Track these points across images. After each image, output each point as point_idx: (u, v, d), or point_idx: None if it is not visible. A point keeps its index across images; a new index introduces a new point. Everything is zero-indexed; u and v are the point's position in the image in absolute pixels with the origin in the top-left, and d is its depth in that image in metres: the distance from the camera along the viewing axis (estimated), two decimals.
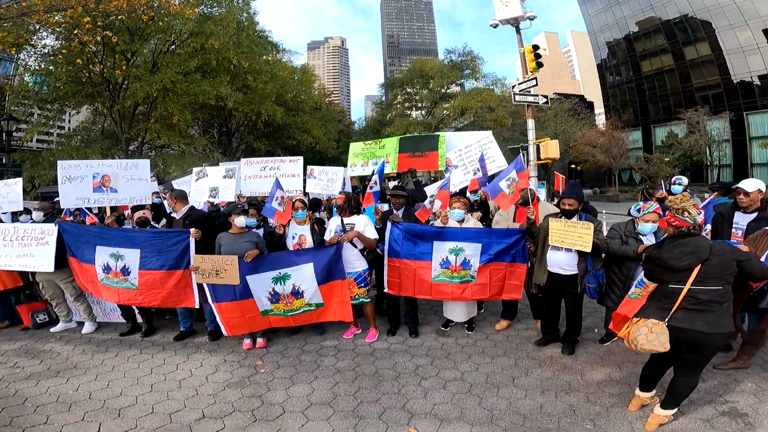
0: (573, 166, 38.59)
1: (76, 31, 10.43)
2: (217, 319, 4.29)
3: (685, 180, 5.91)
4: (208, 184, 5.07)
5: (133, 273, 4.41)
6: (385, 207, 4.98)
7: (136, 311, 4.97)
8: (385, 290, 4.62)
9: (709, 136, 31.88)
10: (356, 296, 4.43)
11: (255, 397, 3.40)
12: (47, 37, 14.68)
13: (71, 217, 5.72)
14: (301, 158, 5.84)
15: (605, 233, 4.16)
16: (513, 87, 12.88)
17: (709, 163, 33.11)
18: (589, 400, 3.27)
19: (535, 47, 12.07)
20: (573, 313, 4.04)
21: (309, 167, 7.02)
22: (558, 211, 4.06)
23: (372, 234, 4.41)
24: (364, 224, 4.38)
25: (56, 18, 10.77)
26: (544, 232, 3.95)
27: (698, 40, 36.31)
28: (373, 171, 6.17)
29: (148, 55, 16.26)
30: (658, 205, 3.80)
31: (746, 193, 3.72)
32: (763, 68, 31.98)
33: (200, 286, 4.31)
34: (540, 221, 4.11)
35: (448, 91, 31.33)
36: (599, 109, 51.68)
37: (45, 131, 20.36)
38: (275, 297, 4.27)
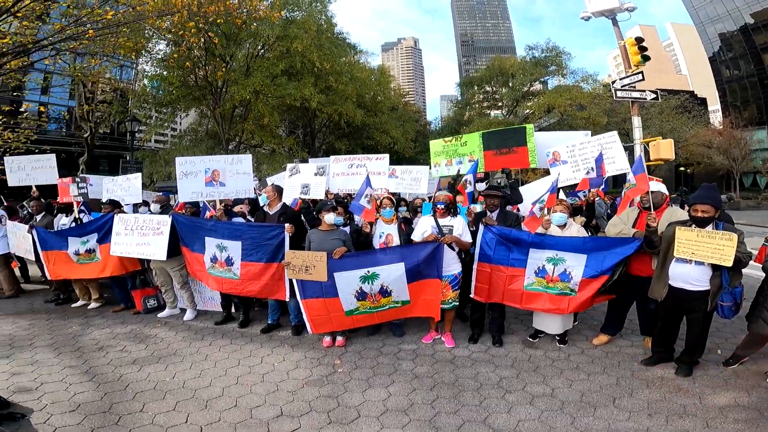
0: (682, 168, 34.29)
1: (183, 33, 11.54)
2: (304, 315, 4.35)
3: None
4: (300, 181, 5.19)
5: (236, 264, 4.67)
6: (478, 208, 4.73)
7: (234, 302, 5.28)
8: (471, 295, 4.40)
9: None
10: (449, 300, 4.25)
11: (332, 398, 3.39)
12: (159, 43, 16.64)
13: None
14: (387, 156, 5.78)
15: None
16: (613, 83, 11.83)
17: None
18: (709, 425, 2.90)
19: (639, 39, 11.11)
20: (698, 333, 3.51)
21: (390, 167, 6.99)
22: (687, 218, 3.52)
23: (468, 237, 4.22)
24: (462, 227, 4.19)
25: (165, 24, 12.05)
26: (668, 241, 3.45)
27: None
28: (458, 171, 5.95)
29: (242, 59, 17.66)
30: None
31: None
32: None
33: (290, 281, 4.41)
34: (661, 229, 3.60)
35: (531, 88, 29.75)
36: (713, 105, 45.55)
37: (160, 132, 23.23)
38: (362, 295, 4.25)
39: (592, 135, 5.52)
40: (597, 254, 3.87)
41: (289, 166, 5.37)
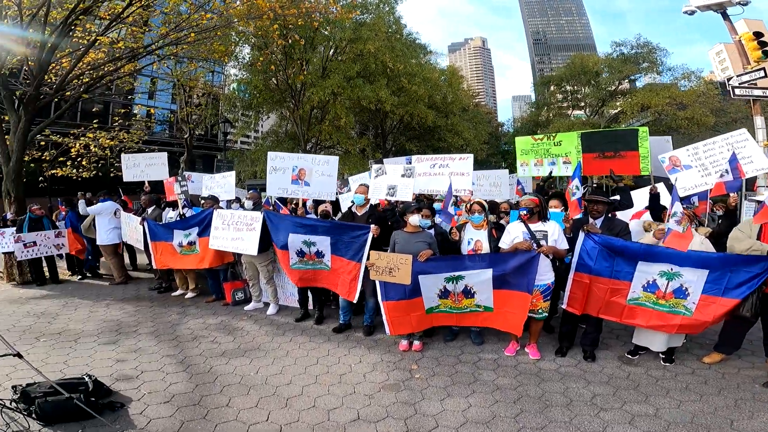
0: None
1: (272, 35, 12.22)
2: (383, 317, 4.34)
3: None
4: (387, 182, 5.18)
5: (327, 256, 4.85)
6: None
7: (310, 299, 5.46)
8: (563, 306, 4.14)
9: None
10: (539, 310, 4.02)
11: (409, 405, 3.33)
12: (244, 48, 17.79)
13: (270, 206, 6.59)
14: (471, 156, 5.58)
15: None
16: (729, 80, 10.55)
17: None
18: None
19: (758, 34, 9.97)
20: None
21: None
22: None
23: (564, 244, 3.95)
24: (558, 233, 3.93)
25: (251, 27, 12.89)
26: None
27: None
28: (550, 172, 5.62)
29: (318, 62, 18.41)
30: None
31: None
32: None
33: (372, 282, 4.42)
34: None
35: (619, 87, 27.47)
36: None
37: (245, 134, 25.13)
38: (445, 293, 4.18)
39: (704, 137, 4.93)
40: (723, 271, 3.42)
41: (375, 167, 5.41)
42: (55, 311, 5.92)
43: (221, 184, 6.71)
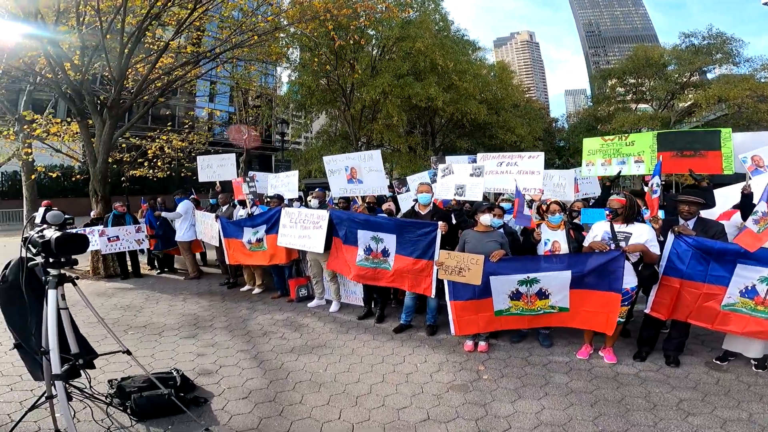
0: None
1: (329, 36, 12.37)
2: (449, 316, 4.29)
3: None
4: (455, 182, 5.10)
5: (391, 255, 4.88)
6: (660, 214, 4.19)
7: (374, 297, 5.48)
8: (646, 311, 3.95)
9: None
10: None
11: (479, 406, 3.27)
12: (295, 51, 18.22)
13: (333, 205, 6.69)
14: (541, 154, 5.35)
15: None
16: None
17: None
18: None
19: None
20: None
21: None
22: None
23: (656, 248, 3.73)
24: (647, 235, 3.73)
25: (306, 30, 13.17)
26: None
27: None
28: (620, 171, 5.34)
29: (367, 62, 18.59)
30: None
31: None
32: None
33: (439, 281, 4.38)
34: None
35: (690, 79, 25.52)
36: None
37: (299, 134, 25.97)
38: (517, 295, 4.06)
39: None
40: None
41: (441, 166, 5.34)
42: (139, 304, 6.33)
43: (285, 183, 6.93)
